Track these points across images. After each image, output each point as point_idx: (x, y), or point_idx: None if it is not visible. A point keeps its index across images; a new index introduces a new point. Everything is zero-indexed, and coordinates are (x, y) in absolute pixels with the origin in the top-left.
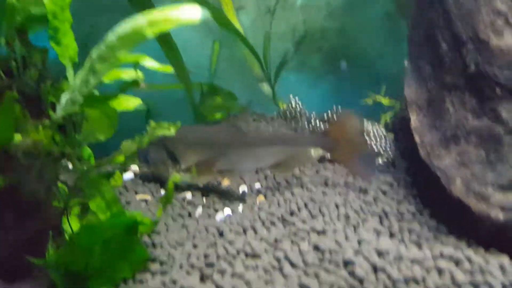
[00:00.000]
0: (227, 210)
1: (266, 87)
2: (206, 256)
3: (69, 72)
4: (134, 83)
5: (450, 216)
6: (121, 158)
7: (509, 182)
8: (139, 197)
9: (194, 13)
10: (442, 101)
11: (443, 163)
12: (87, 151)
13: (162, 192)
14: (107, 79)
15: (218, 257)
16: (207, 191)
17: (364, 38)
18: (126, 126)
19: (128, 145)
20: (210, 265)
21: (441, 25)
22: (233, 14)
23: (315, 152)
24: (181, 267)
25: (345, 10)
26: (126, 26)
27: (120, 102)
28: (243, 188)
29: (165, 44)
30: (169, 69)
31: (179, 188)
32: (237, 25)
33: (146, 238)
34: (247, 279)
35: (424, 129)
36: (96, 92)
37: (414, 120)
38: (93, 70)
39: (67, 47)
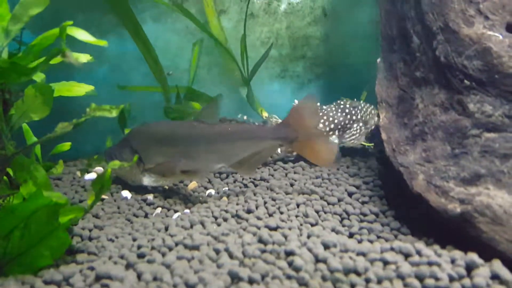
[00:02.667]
0: (186, 211)
1: (244, 92)
2: (139, 247)
3: (1, 43)
4: (58, 51)
5: (412, 214)
6: (66, 147)
7: (471, 176)
8: None
9: None
10: (412, 98)
11: (407, 160)
12: (32, 138)
13: (123, 193)
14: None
15: (152, 248)
16: (170, 193)
17: (349, 45)
18: (100, 128)
19: (63, 127)
20: (141, 255)
21: (413, 17)
22: (214, 15)
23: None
24: (110, 258)
25: (330, 17)
26: None
27: (72, 88)
28: (210, 191)
29: (142, 44)
30: (103, 42)
31: (142, 190)
32: (218, 28)
33: (85, 232)
34: (173, 267)
35: (392, 127)
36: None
37: (383, 118)
38: (6, 32)
39: (1, 18)
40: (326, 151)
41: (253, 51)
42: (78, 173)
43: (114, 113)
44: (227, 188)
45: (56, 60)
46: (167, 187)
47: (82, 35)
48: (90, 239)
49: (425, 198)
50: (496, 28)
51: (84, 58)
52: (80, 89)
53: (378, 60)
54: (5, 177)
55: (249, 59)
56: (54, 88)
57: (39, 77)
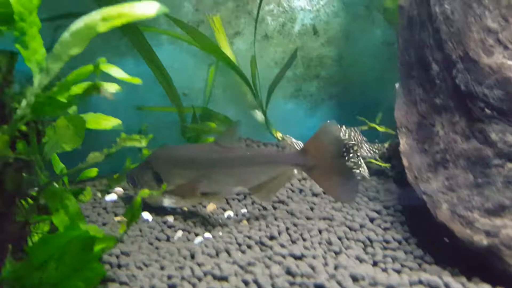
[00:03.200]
0: (208, 235)
1: (259, 115)
2: (170, 277)
3: (35, 77)
4: (94, 87)
5: (436, 243)
6: (93, 173)
7: (495, 207)
8: (117, 218)
9: (149, 8)
10: (432, 124)
11: (430, 188)
12: (60, 165)
13: (144, 215)
14: (77, 91)
15: (182, 278)
16: (190, 215)
17: (363, 66)
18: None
19: (95, 157)
20: (172, 286)
21: (432, 45)
22: (225, 40)
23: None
24: None
25: (343, 38)
26: (79, 22)
27: (99, 122)
28: (228, 213)
29: (156, 68)
30: (137, 80)
31: (161, 211)
32: (229, 52)
33: (113, 259)
34: None
35: (412, 153)
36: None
37: (403, 143)
38: (46, 70)
39: (34, 51)
40: (346, 186)
41: (267, 72)
42: (99, 194)
43: (144, 143)
44: (245, 210)
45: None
46: (186, 209)
47: (116, 72)
48: (119, 266)
49: (449, 228)
50: None
51: (113, 88)
52: (108, 122)
53: (397, 85)
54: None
55: (264, 80)
56: (86, 120)
57: (71, 108)
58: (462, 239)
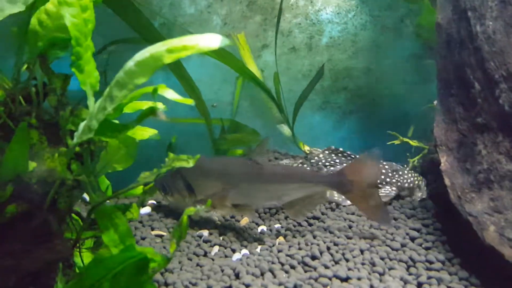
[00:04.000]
0: (244, 251)
1: (285, 129)
2: None
3: (90, 100)
4: (151, 111)
5: (483, 265)
6: (138, 190)
7: None
8: (154, 233)
9: (213, 41)
10: (474, 143)
11: (475, 209)
12: (105, 182)
13: None
14: (128, 110)
15: None
16: (224, 229)
17: (391, 78)
18: (147, 158)
19: (146, 176)
20: None
21: (472, 64)
22: (249, 57)
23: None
24: None
25: (371, 50)
26: (144, 53)
27: (136, 132)
28: (262, 228)
29: (184, 81)
30: (190, 101)
31: (196, 225)
32: (254, 67)
33: (158, 276)
34: None
35: (454, 172)
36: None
37: (444, 162)
38: (110, 97)
39: (89, 74)
40: (378, 211)
41: (295, 85)
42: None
43: (191, 163)
44: (279, 226)
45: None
46: (219, 223)
47: (171, 94)
48: (166, 285)
49: (498, 251)
50: None
51: (161, 107)
52: (145, 133)
53: (435, 102)
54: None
55: (291, 92)
56: (138, 141)
57: None
58: None
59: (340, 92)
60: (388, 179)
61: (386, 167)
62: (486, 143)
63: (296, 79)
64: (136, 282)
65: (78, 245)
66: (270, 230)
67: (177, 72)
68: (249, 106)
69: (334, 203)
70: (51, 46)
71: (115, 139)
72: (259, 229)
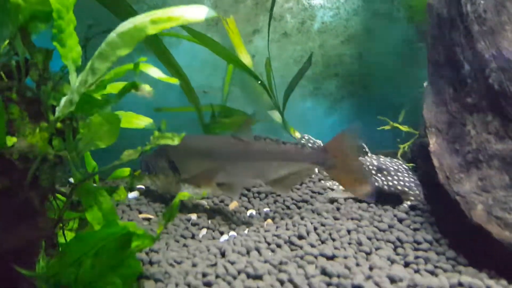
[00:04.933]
0: (232, 233)
1: (276, 115)
2: (204, 275)
3: (72, 75)
4: (133, 85)
5: (471, 245)
6: (126, 173)
7: None
8: (142, 216)
9: (199, 13)
10: (463, 124)
11: (463, 188)
12: (92, 163)
13: None
14: (112, 90)
15: (217, 276)
16: (213, 213)
17: (383, 64)
18: (137, 143)
19: (130, 154)
20: (207, 284)
21: (463, 44)
22: (240, 42)
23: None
24: (177, 285)
25: (363, 35)
26: (127, 24)
27: (131, 121)
28: (251, 211)
29: (171, 68)
30: (175, 80)
31: (183, 209)
32: (244, 53)
33: (143, 255)
34: None
35: (443, 153)
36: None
37: (433, 143)
38: (92, 69)
39: (71, 48)
40: (362, 185)
41: (286, 70)
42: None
43: (177, 141)
44: (268, 209)
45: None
46: (208, 207)
47: (154, 72)
48: (151, 263)
49: (486, 229)
50: None
51: (148, 89)
52: (140, 121)
53: (425, 84)
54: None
55: (282, 78)
56: (121, 118)
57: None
58: (500, 241)
59: (332, 79)
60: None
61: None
62: (475, 124)
63: (288, 65)
64: (119, 257)
65: (61, 225)
66: (259, 214)
67: (163, 58)
68: (240, 92)
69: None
70: (32, 19)
71: (98, 116)
72: (248, 213)
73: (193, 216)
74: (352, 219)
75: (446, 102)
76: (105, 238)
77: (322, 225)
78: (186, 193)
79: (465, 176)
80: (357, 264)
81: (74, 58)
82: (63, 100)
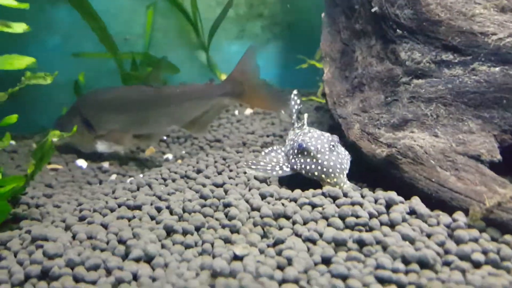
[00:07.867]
0: (140, 175)
1: (203, 56)
2: (81, 210)
3: None
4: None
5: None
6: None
7: (400, 121)
8: (50, 166)
9: None
10: (353, 51)
11: (346, 111)
12: None
13: (78, 162)
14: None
15: (94, 211)
16: (127, 160)
17: (306, 2)
18: (57, 100)
19: None
20: (82, 218)
21: None
22: None
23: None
24: (52, 222)
25: None
26: None
27: (11, 62)
28: (167, 156)
29: (86, 14)
30: (26, 5)
31: (97, 158)
32: None
33: (32, 201)
34: (110, 226)
35: (334, 81)
36: None
37: (327, 72)
38: None
39: None
40: (273, 97)
41: (209, 12)
42: (34, 146)
43: (49, 80)
44: (184, 152)
45: None
46: (123, 154)
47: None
48: (37, 206)
49: (358, 145)
50: None
51: (19, 28)
52: (21, 62)
53: (323, 14)
54: None
55: (206, 20)
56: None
57: None
58: (367, 154)
59: (257, 20)
60: None
61: None
62: (362, 49)
63: (211, 7)
64: None
65: None
66: (175, 157)
67: (75, 2)
68: (163, 37)
69: None
70: None
71: None
72: (165, 157)
73: (105, 164)
74: (254, 151)
75: (339, 31)
76: None
77: (224, 159)
78: (57, 132)
79: (350, 100)
80: (244, 188)
81: None
82: None
